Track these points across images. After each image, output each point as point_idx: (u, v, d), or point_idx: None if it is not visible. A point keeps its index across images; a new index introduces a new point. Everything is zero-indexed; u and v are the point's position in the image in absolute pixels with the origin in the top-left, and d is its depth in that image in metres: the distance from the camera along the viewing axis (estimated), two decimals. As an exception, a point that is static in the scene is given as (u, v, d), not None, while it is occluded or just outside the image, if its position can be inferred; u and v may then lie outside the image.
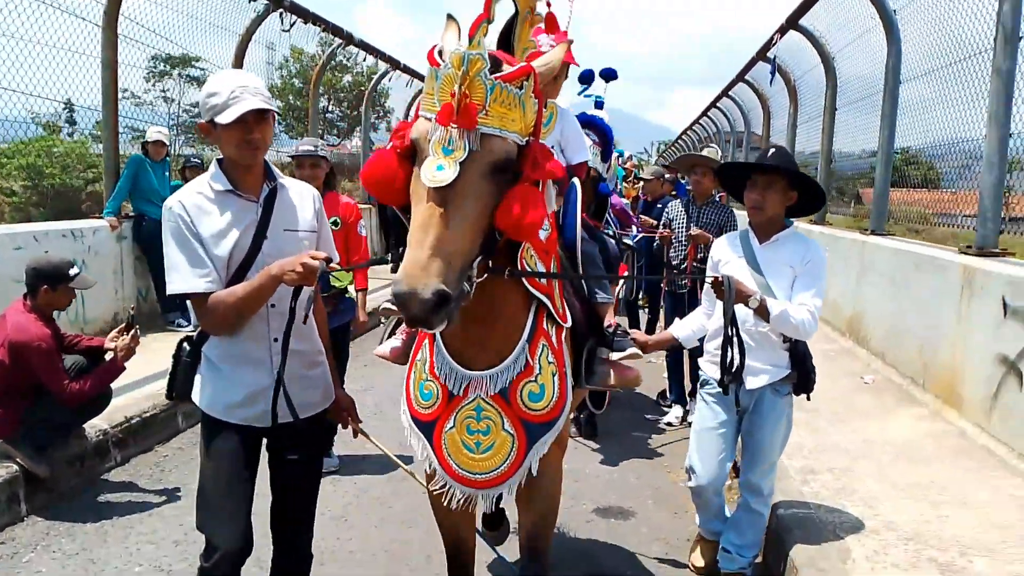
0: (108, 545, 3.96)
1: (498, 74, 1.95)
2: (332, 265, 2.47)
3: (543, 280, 2.39)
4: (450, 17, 2.12)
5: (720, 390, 3.30)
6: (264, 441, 2.75)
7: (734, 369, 2.78)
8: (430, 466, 2.46)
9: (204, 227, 2.51)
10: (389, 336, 3.11)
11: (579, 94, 5.75)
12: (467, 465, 2.38)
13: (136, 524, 4.19)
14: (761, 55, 11.35)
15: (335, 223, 4.83)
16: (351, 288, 5.10)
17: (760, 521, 3.59)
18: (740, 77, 13.63)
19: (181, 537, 4.03)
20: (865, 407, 5.71)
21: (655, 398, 6.87)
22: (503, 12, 2.32)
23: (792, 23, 9.60)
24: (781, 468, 3.61)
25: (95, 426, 4.75)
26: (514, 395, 2.35)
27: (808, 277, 3.26)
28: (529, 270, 2.30)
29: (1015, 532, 3.58)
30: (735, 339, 2.77)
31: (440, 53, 2.01)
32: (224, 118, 2.42)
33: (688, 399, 6.34)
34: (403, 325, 2.98)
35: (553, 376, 2.41)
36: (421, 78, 14.90)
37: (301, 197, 2.73)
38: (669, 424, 6.28)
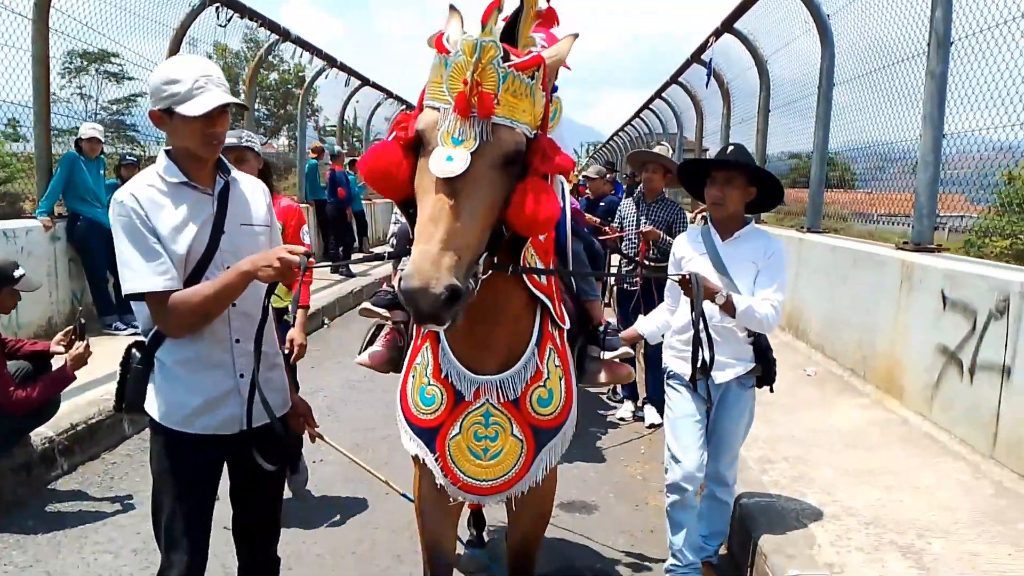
0: (63, 556, 3.80)
1: (511, 63, 1.89)
2: (312, 260, 2.29)
3: (543, 280, 2.33)
4: (452, 8, 2.06)
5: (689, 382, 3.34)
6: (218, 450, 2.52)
7: (706, 365, 2.80)
8: (437, 476, 2.34)
9: (159, 222, 2.31)
10: (369, 343, 3.00)
11: None
12: (473, 472, 2.29)
13: (91, 533, 4.03)
14: (696, 57, 11.59)
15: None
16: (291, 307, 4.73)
17: (726, 511, 3.66)
18: (674, 79, 13.91)
19: (140, 546, 3.89)
20: (810, 398, 5.91)
21: (606, 394, 6.96)
22: (510, 5, 2.27)
23: (727, 26, 9.83)
24: (740, 459, 3.69)
25: (41, 434, 4.55)
26: (524, 400, 2.28)
27: (770, 272, 3.32)
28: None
29: (965, 514, 3.75)
30: (705, 336, 2.77)
31: (447, 40, 1.95)
32: (188, 109, 2.25)
33: (638, 395, 6.45)
34: (384, 330, 2.88)
35: (560, 380, 2.36)
36: (358, 76, 15.01)
37: (252, 190, 2.57)
38: (622, 419, 6.36)
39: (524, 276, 2.23)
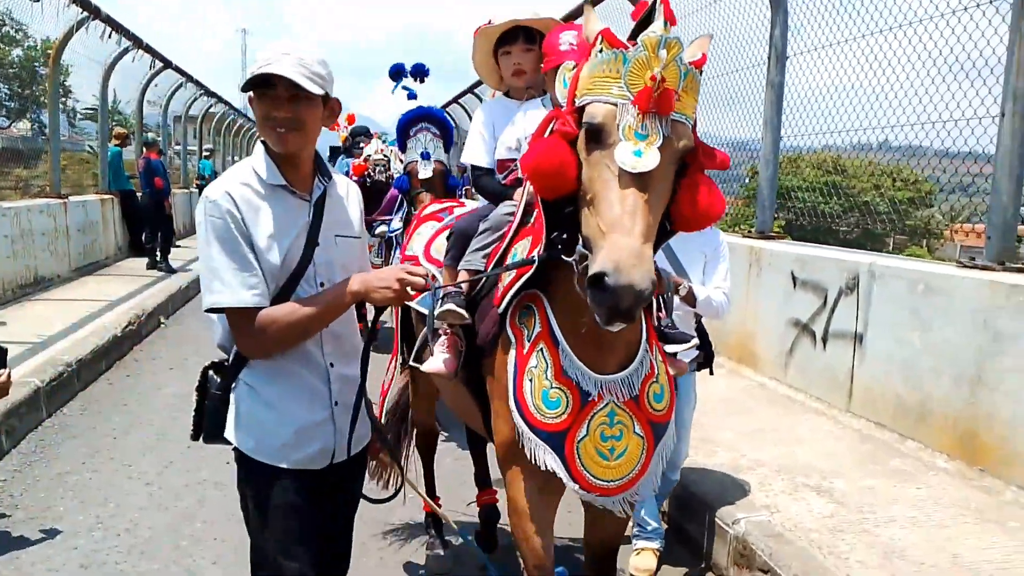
0: (8, 578, 3.53)
1: (690, 60, 1.88)
2: (432, 279, 2.13)
3: None
4: (588, 3, 2.09)
5: None
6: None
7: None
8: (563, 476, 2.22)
9: (256, 228, 2.06)
10: (420, 350, 2.82)
11: (392, 91, 5.91)
12: (601, 474, 2.21)
13: (23, 555, 3.75)
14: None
15: None
16: None
17: (669, 488, 3.90)
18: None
19: (84, 560, 3.70)
20: (676, 371, 6.58)
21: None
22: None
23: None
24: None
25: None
26: (643, 396, 2.26)
27: (718, 261, 3.63)
28: None
29: (847, 458, 4.49)
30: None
31: (588, 36, 1.94)
32: (245, 85, 2.04)
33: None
34: (442, 336, 2.70)
35: (664, 375, 2.36)
36: (163, 60, 14.03)
37: (348, 196, 2.33)
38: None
39: None
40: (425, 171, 4.78)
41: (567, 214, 2.03)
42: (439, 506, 3.73)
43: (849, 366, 5.22)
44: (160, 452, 5.13)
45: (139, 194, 12.64)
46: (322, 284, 2.16)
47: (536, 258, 2.15)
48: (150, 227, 12.02)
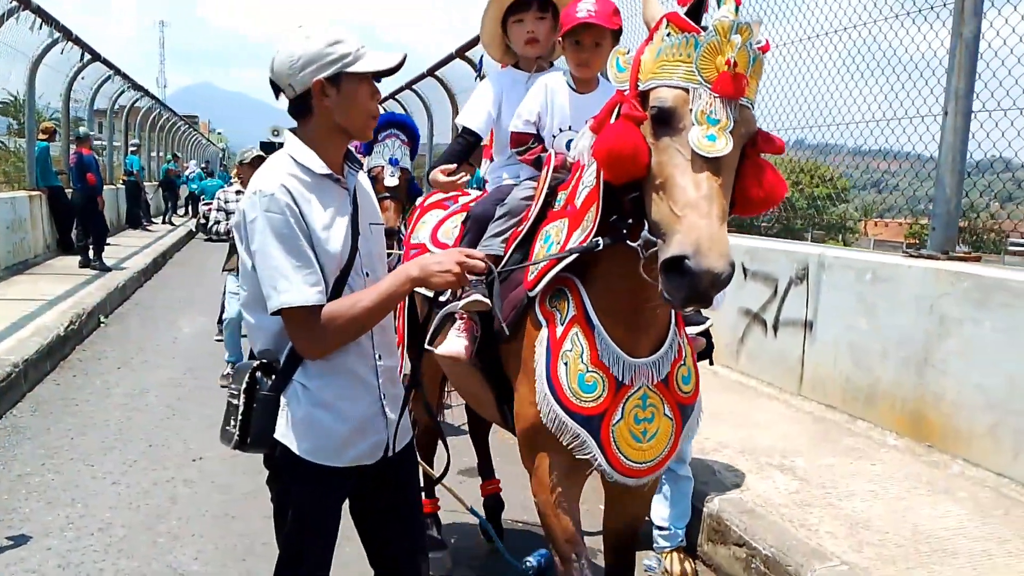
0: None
1: (758, 44, 1.88)
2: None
3: None
4: None
5: None
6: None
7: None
8: (595, 460, 2.25)
9: (313, 220, 2.00)
10: (435, 333, 2.77)
11: None
12: (634, 456, 2.26)
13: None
14: (461, 53, 12.20)
15: None
16: None
17: (689, 487, 3.78)
18: (431, 72, 14.39)
19: (61, 561, 3.64)
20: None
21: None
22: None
23: (460, 53, 10.64)
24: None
25: None
26: (672, 379, 2.30)
27: None
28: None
29: (802, 438, 4.73)
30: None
31: (651, 19, 1.94)
32: (367, 64, 2.01)
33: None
34: (459, 321, 2.66)
35: (691, 357, 2.40)
36: (92, 52, 13.57)
37: (365, 181, 2.28)
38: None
39: None
40: (392, 179, 4.76)
41: (628, 200, 2.01)
42: (438, 503, 3.79)
43: (800, 352, 5.48)
44: (121, 451, 5.04)
45: (68, 190, 12.22)
46: (367, 274, 2.13)
47: (600, 242, 2.11)
48: (82, 224, 11.63)
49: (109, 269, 11.25)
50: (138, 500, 4.34)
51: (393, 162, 4.85)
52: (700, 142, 1.80)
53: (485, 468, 4.01)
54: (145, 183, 20.50)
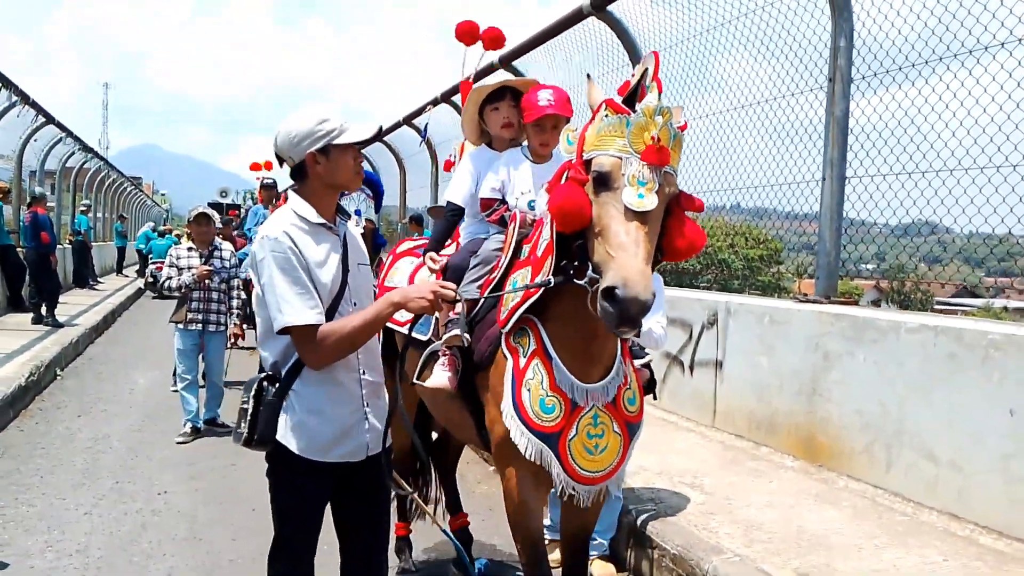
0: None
1: (678, 124, 2.36)
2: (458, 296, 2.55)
3: None
4: (589, 76, 2.58)
5: None
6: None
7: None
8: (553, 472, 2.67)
9: (309, 259, 2.48)
10: (424, 368, 3.19)
11: None
12: (588, 466, 2.68)
13: None
14: (408, 120, 12.93)
15: None
16: None
17: (618, 506, 4.30)
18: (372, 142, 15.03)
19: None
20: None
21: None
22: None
23: (446, 98, 11.28)
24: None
25: None
26: (619, 401, 2.74)
27: (658, 298, 4.24)
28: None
29: (713, 462, 5.34)
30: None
31: (592, 104, 2.43)
32: (350, 136, 2.49)
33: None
34: (442, 356, 3.05)
35: (635, 383, 2.87)
36: (46, 115, 13.94)
37: (356, 231, 2.79)
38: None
39: None
40: (356, 229, 5.32)
41: (576, 246, 2.46)
42: (411, 526, 4.20)
43: (712, 389, 6.14)
44: (91, 487, 5.41)
45: (19, 249, 12.46)
46: (355, 304, 2.59)
47: (552, 280, 2.55)
48: (35, 282, 11.86)
49: (62, 325, 11.47)
50: (111, 527, 4.73)
51: (358, 213, 5.37)
52: (631, 199, 2.26)
53: (453, 504, 4.38)
54: (92, 243, 20.62)
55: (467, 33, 4.10)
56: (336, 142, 2.50)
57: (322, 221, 2.57)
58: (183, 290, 6.79)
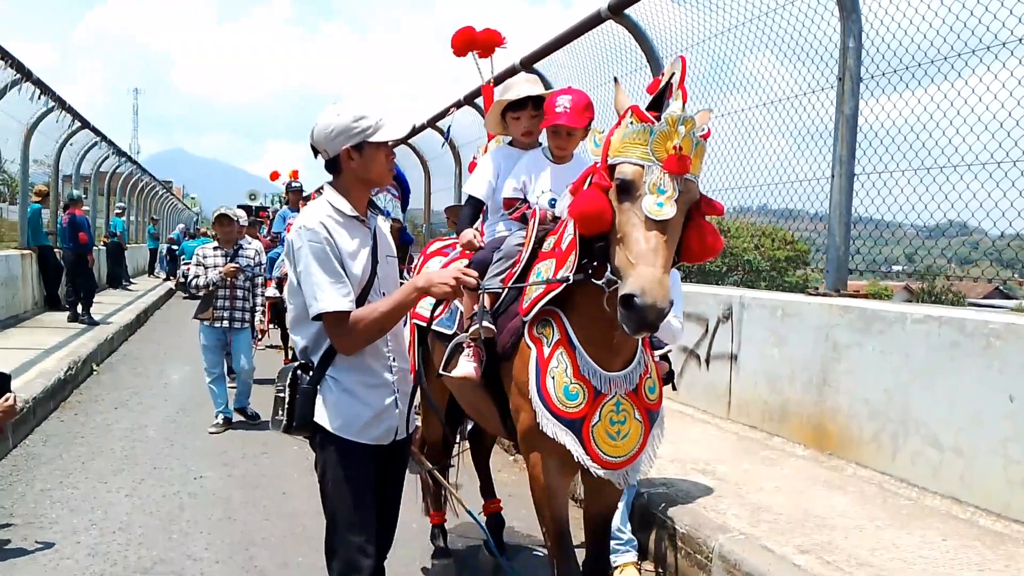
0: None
1: (700, 132, 2.41)
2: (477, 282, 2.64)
3: None
4: (616, 80, 2.63)
5: None
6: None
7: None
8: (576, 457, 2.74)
9: (343, 249, 2.59)
10: (450, 360, 3.32)
11: None
12: (611, 452, 2.76)
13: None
14: (432, 123, 13.16)
15: None
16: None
17: (632, 491, 4.36)
18: (404, 140, 15.36)
19: (90, 551, 4.28)
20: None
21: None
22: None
23: (468, 100, 11.50)
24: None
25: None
26: (640, 389, 2.82)
27: (675, 291, 3.88)
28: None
29: (728, 451, 5.51)
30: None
31: (619, 109, 2.49)
32: (384, 135, 2.60)
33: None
34: (467, 348, 3.17)
35: (655, 373, 2.95)
36: (82, 120, 14.37)
37: (384, 225, 2.92)
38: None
39: None
40: (385, 224, 5.52)
41: (597, 247, 2.57)
42: (445, 515, 4.36)
43: (727, 381, 6.30)
44: (130, 472, 5.69)
45: (56, 249, 12.87)
46: (383, 293, 2.71)
47: (571, 277, 2.66)
48: (71, 281, 12.26)
49: (97, 323, 11.85)
50: (151, 508, 5.00)
51: (386, 214, 5.60)
52: (651, 208, 2.32)
53: (486, 489, 4.54)
54: (127, 245, 21.13)
55: (464, 46, 4.26)
56: (370, 140, 2.60)
57: (355, 214, 2.69)
58: (210, 287, 7.07)
